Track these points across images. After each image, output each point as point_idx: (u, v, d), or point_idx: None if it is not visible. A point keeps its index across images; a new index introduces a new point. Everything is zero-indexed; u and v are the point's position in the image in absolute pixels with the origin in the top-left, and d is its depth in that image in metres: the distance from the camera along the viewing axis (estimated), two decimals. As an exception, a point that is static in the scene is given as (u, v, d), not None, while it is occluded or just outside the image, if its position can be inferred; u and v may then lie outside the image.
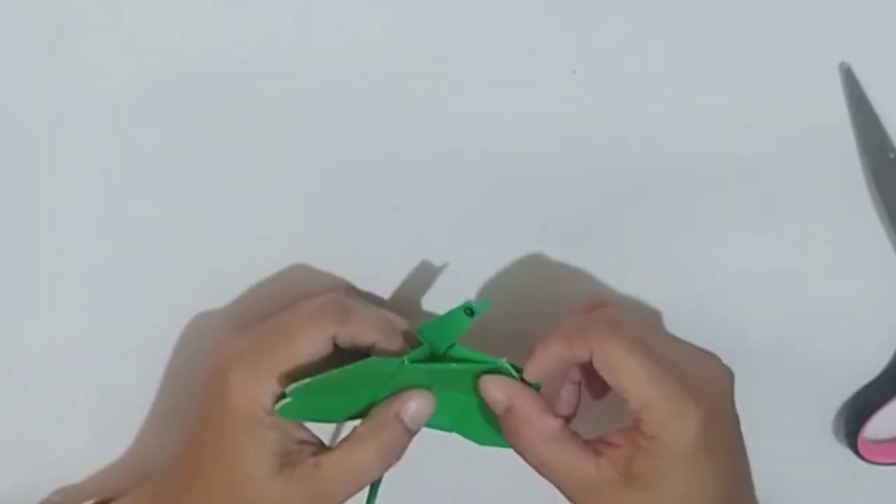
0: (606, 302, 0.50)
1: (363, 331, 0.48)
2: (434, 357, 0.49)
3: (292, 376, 0.46)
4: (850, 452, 0.57)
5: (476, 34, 0.50)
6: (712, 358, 0.48)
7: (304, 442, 0.48)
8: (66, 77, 0.49)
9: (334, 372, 0.46)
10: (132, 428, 0.55)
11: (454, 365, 0.48)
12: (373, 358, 0.47)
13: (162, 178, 0.51)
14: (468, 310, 0.48)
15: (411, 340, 0.49)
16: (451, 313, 0.48)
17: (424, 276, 0.54)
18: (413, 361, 0.47)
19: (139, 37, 0.49)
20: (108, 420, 0.54)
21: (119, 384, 0.54)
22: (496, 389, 0.48)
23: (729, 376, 0.48)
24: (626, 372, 0.45)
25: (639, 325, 0.49)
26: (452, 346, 0.49)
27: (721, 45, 0.51)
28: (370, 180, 0.52)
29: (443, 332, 0.48)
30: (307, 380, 0.46)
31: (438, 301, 0.54)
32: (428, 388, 0.48)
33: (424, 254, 0.53)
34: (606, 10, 0.50)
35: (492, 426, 0.49)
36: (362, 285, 0.53)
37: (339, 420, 0.51)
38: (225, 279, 0.53)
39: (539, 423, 0.47)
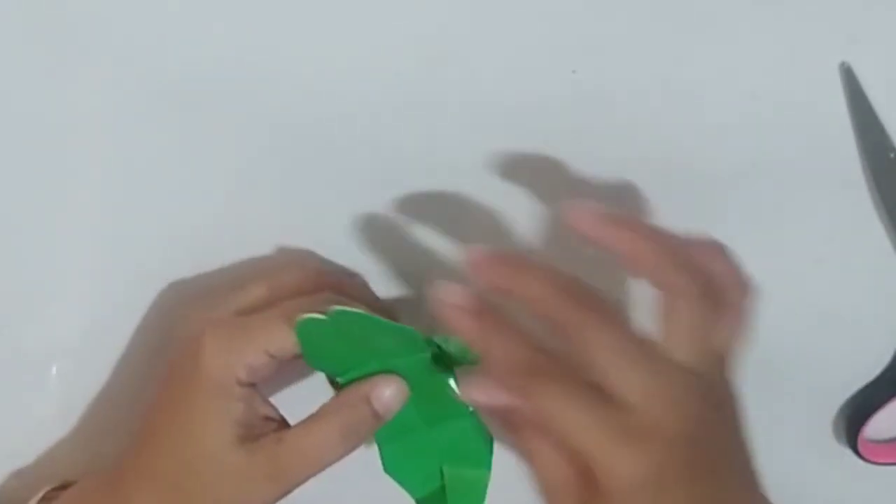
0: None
1: None
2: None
3: (269, 356, 0.45)
4: (850, 452, 0.57)
5: (476, 34, 0.50)
6: None
7: (269, 418, 0.47)
8: (67, 78, 0.49)
9: (373, 318, 0.45)
10: (120, 424, 0.55)
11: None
12: (412, 328, 0.45)
13: (163, 179, 0.51)
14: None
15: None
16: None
17: (421, 275, 0.54)
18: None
19: (140, 39, 0.49)
20: (109, 420, 0.54)
21: (119, 384, 0.54)
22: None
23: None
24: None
25: None
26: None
27: (721, 44, 0.51)
28: (370, 180, 0.52)
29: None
30: (323, 317, 0.45)
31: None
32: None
33: (421, 254, 0.53)
34: (606, 10, 0.50)
35: None
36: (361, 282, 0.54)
37: (333, 372, 0.48)
38: (226, 280, 0.53)
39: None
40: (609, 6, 0.50)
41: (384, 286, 0.54)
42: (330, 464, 0.46)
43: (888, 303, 0.55)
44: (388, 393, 0.46)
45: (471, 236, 0.53)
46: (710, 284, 0.43)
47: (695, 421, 0.41)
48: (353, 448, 0.46)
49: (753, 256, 0.54)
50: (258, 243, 0.53)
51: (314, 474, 0.46)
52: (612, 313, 0.42)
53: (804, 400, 0.57)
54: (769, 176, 0.53)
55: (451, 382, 0.46)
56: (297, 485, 0.46)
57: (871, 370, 0.56)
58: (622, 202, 0.53)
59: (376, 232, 0.53)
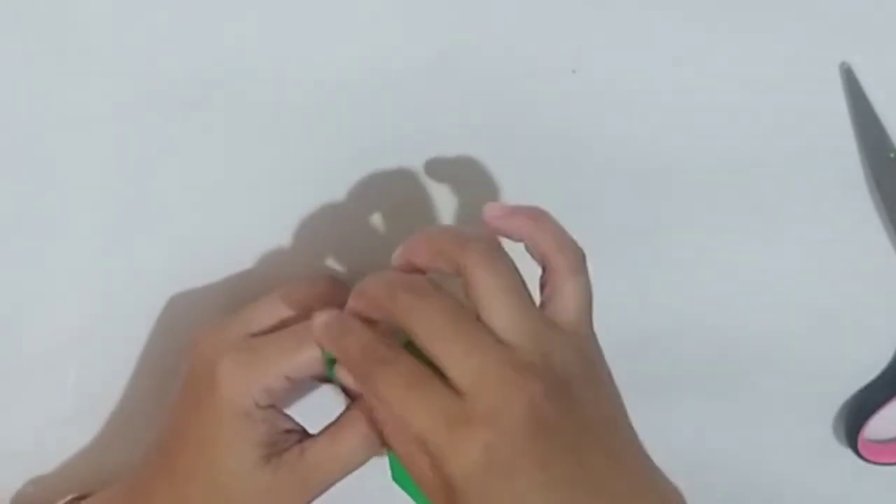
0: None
1: None
2: None
3: (286, 378, 0.46)
4: (850, 452, 0.57)
5: (475, 34, 0.50)
6: None
7: (289, 431, 0.47)
8: (67, 77, 0.49)
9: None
10: (133, 428, 0.55)
11: None
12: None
13: (164, 178, 0.51)
14: None
15: None
16: None
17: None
18: None
19: (140, 40, 0.49)
20: (109, 420, 0.54)
21: (119, 384, 0.54)
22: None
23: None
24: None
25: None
26: None
27: (721, 44, 0.51)
28: (369, 180, 0.52)
29: None
30: None
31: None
32: None
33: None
34: (606, 10, 0.50)
35: None
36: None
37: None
38: (228, 280, 0.53)
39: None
40: (609, 6, 0.50)
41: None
42: (353, 470, 0.47)
43: (888, 303, 0.55)
44: None
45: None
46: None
47: (535, 401, 0.40)
48: (374, 454, 0.47)
49: (753, 256, 0.55)
50: (260, 242, 0.53)
51: (339, 479, 0.47)
52: (442, 302, 0.42)
53: (804, 400, 0.57)
54: (769, 176, 0.53)
55: None
56: (323, 492, 0.47)
57: (871, 370, 0.56)
58: (621, 201, 0.53)
59: (378, 233, 0.53)
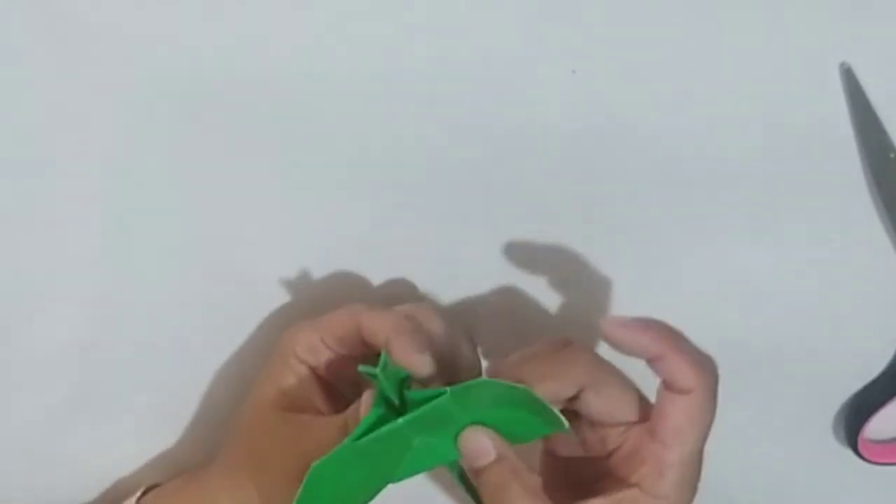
0: (569, 340, 0.49)
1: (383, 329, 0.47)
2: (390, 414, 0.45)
3: (321, 341, 0.50)
4: (850, 452, 0.57)
5: (475, 34, 0.50)
6: None
7: (313, 405, 0.50)
8: (71, 77, 0.49)
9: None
10: (133, 427, 0.55)
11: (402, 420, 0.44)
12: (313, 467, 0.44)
13: (165, 178, 0.51)
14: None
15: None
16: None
17: (422, 277, 0.54)
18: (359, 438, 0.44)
19: (141, 40, 0.49)
20: (109, 420, 0.54)
21: (119, 384, 0.54)
22: (484, 439, 0.45)
23: None
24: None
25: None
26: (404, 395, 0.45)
27: (721, 44, 0.51)
28: (371, 180, 0.52)
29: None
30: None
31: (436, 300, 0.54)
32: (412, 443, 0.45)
33: (423, 255, 0.53)
34: (606, 11, 0.50)
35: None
36: (362, 283, 0.54)
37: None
38: (227, 278, 0.53)
39: (527, 477, 0.46)
40: (609, 6, 0.50)
41: (386, 288, 0.54)
42: None
43: (888, 303, 0.55)
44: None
45: (470, 236, 0.53)
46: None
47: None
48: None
49: (753, 256, 0.55)
50: (259, 242, 0.53)
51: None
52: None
53: (804, 400, 0.57)
54: (770, 176, 0.53)
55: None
56: None
57: (871, 370, 0.56)
58: (621, 201, 0.53)
59: (377, 233, 0.53)
